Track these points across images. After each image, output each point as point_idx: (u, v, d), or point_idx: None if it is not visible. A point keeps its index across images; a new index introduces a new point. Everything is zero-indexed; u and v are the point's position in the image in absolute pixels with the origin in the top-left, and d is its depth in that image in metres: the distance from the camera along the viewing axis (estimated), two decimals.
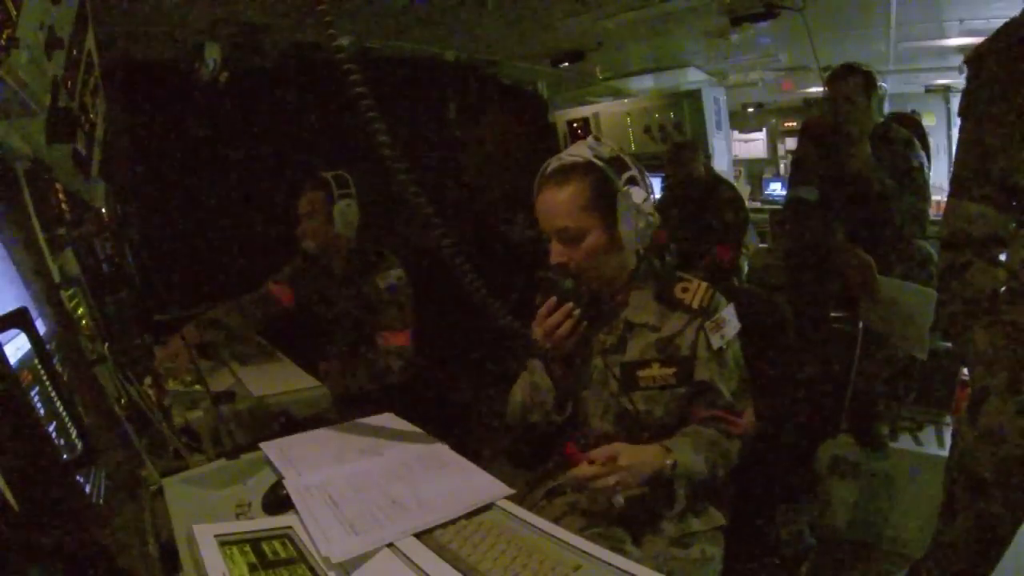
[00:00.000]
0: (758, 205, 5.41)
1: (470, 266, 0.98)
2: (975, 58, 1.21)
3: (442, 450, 1.15)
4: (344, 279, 2.11)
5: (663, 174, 3.72)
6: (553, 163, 1.16)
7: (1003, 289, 1.18)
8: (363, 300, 2.06)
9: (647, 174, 1.18)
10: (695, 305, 1.16)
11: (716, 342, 1.14)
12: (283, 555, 0.81)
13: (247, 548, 0.81)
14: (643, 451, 1.06)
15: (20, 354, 0.65)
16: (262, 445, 1.16)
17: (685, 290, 1.18)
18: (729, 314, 1.16)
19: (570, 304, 1.11)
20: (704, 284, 1.18)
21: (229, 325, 2.04)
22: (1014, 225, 1.18)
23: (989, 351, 1.18)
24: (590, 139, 1.17)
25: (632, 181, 1.13)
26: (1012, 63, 1.13)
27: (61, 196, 1.35)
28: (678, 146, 3.53)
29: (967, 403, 1.26)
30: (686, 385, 1.15)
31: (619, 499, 1.01)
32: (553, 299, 1.11)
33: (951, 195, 1.26)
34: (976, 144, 1.20)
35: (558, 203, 1.13)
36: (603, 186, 1.12)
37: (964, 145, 1.24)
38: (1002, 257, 1.20)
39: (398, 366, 2.00)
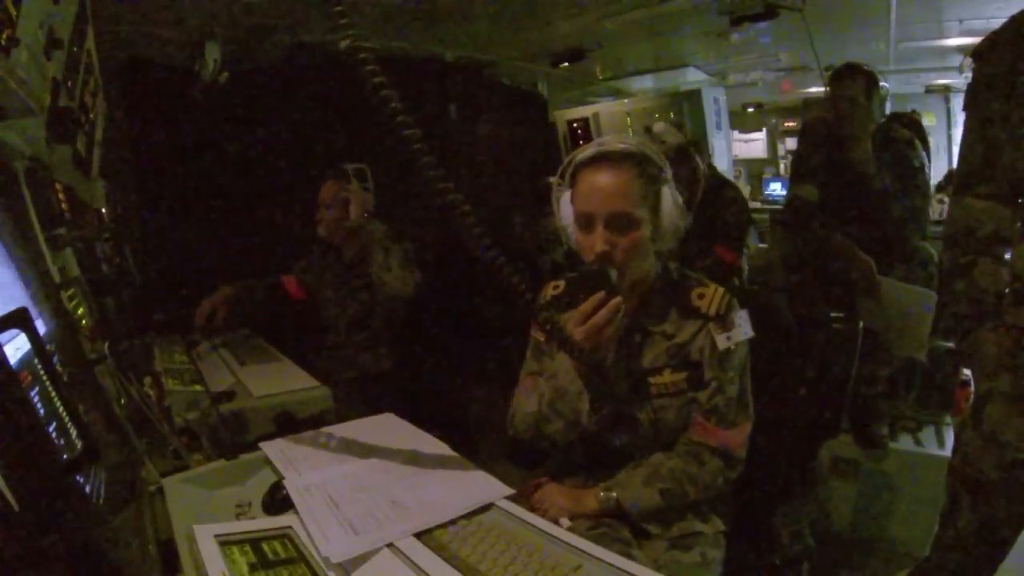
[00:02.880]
0: (758, 205, 5.41)
1: (504, 258, 0.92)
2: (980, 52, 1.19)
3: (442, 450, 1.15)
4: (353, 265, 2.21)
5: None
6: (594, 148, 1.12)
7: (1007, 291, 1.17)
8: (371, 282, 2.13)
9: None
10: (711, 312, 1.13)
11: (721, 343, 1.11)
12: (283, 555, 0.81)
13: (247, 548, 0.81)
14: (580, 496, 1.13)
15: (20, 354, 0.65)
16: (262, 445, 1.16)
17: (701, 296, 1.15)
18: (740, 319, 1.13)
19: (619, 299, 1.01)
20: (721, 289, 1.15)
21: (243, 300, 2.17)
22: (1019, 224, 1.17)
23: (993, 354, 1.17)
24: (649, 130, 1.16)
25: (667, 180, 1.12)
26: (1018, 57, 1.11)
27: (61, 196, 1.35)
28: (681, 145, 3.53)
29: (970, 406, 1.25)
30: (697, 390, 1.14)
31: (565, 521, 1.04)
32: (601, 294, 1.01)
33: (955, 191, 1.24)
34: (981, 139, 1.18)
35: (613, 186, 1.08)
36: (654, 180, 1.10)
37: (969, 141, 1.21)
38: (1006, 256, 1.19)
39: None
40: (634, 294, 1.16)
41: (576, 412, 1.10)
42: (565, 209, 1.16)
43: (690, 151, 2.71)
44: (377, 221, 2.19)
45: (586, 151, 1.12)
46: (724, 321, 1.12)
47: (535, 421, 1.16)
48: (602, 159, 1.10)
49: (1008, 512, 1.20)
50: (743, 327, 1.13)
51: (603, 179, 1.09)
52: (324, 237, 2.23)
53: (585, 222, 1.10)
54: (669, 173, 1.12)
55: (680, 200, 1.12)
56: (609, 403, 1.16)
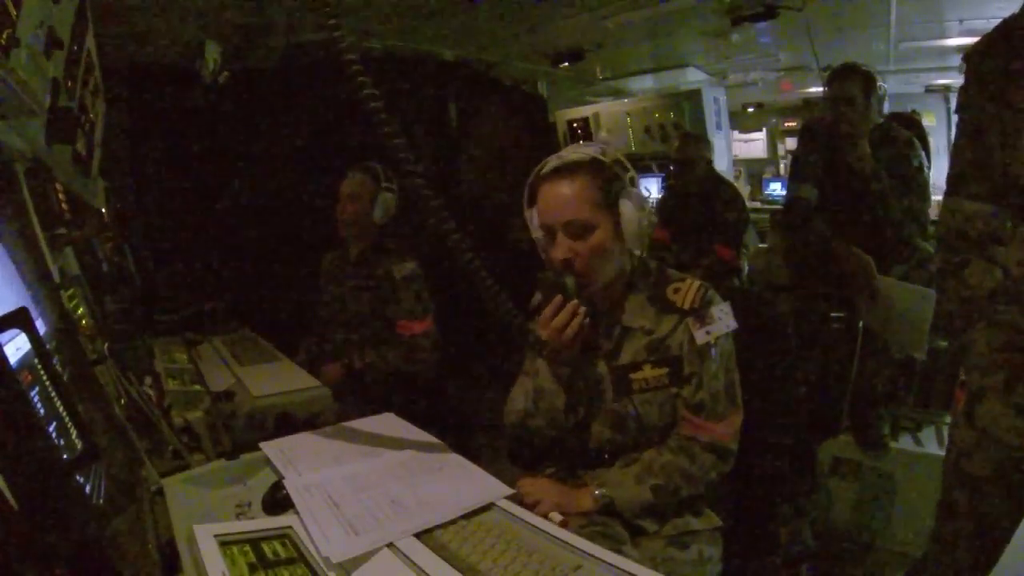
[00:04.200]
0: (758, 205, 5.41)
1: (479, 260, 0.97)
2: (973, 55, 1.20)
3: (442, 450, 1.15)
4: (358, 264, 2.20)
5: (663, 174, 3.73)
6: (553, 161, 1.16)
7: (999, 290, 1.18)
8: (376, 284, 2.13)
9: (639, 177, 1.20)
10: (686, 306, 1.15)
11: (700, 337, 1.12)
12: (283, 555, 0.81)
13: (247, 548, 0.81)
14: (572, 495, 1.13)
15: (20, 354, 0.65)
16: (262, 445, 1.16)
17: (677, 291, 1.17)
18: (720, 312, 1.14)
19: (576, 302, 1.09)
20: (696, 283, 1.17)
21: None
22: (1010, 224, 1.18)
23: (986, 352, 1.18)
24: (603, 135, 1.18)
25: (632, 182, 1.15)
26: (1010, 60, 1.12)
27: (61, 196, 1.35)
28: (685, 136, 3.57)
29: (963, 404, 1.26)
30: (678, 385, 1.15)
31: (556, 516, 1.05)
32: (559, 298, 1.09)
33: (948, 192, 1.26)
34: (974, 141, 1.19)
35: (567, 196, 1.12)
36: (609, 184, 1.13)
37: (961, 142, 1.23)
38: (998, 256, 1.20)
39: (428, 347, 2.10)
40: (608, 292, 1.19)
41: (554, 410, 1.17)
42: (534, 223, 1.20)
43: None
44: (410, 260, 2.15)
45: (547, 165, 1.16)
46: (701, 315, 1.13)
47: (523, 417, 1.22)
48: (556, 171, 1.14)
49: (1003, 509, 1.20)
50: (724, 320, 1.14)
51: (558, 189, 1.13)
52: (342, 231, 2.20)
53: (547, 233, 1.15)
54: (631, 175, 1.15)
55: (644, 200, 1.14)
56: (590, 400, 1.18)
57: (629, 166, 1.16)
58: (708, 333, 1.12)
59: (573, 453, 1.24)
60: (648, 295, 1.18)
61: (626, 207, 1.12)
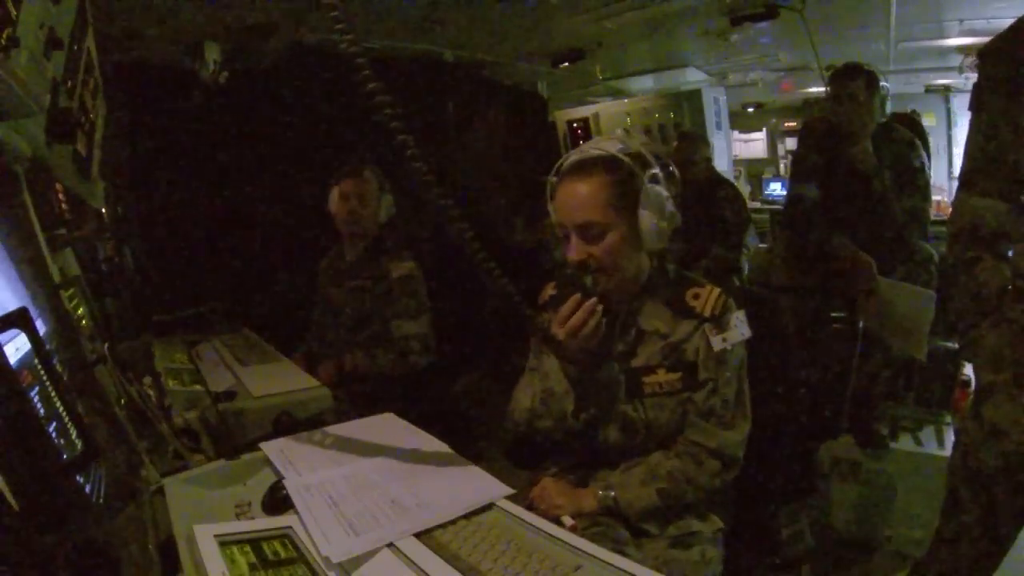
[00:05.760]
0: (758, 205, 5.41)
1: (487, 253, 0.96)
2: (987, 53, 1.20)
3: (442, 450, 1.15)
4: (356, 264, 2.20)
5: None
6: (574, 156, 1.14)
7: (1009, 288, 1.18)
8: (373, 284, 2.13)
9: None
10: (706, 312, 1.13)
11: (717, 344, 1.11)
12: (283, 555, 0.81)
13: (247, 548, 0.81)
14: (579, 495, 1.14)
15: (20, 354, 0.65)
16: (262, 445, 1.16)
17: (697, 296, 1.15)
18: (737, 320, 1.13)
19: (594, 300, 1.07)
20: (716, 290, 1.15)
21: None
22: (1022, 221, 1.18)
23: (995, 348, 1.19)
24: (619, 132, 1.17)
25: (654, 179, 1.10)
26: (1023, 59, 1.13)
27: (61, 196, 1.35)
28: (684, 136, 3.58)
29: (972, 399, 1.26)
30: (691, 390, 1.14)
31: (567, 519, 1.06)
32: (576, 296, 1.07)
33: (960, 189, 1.26)
34: (987, 138, 1.20)
35: (580, 196, 1.10)
36: (627, 182, 1.09)
37: (974, 139, 1.23)
38: (1010, 253, 1.20)
39: (417, 349, 2.08)
40: (625, 294, 1.17)
41: (562, 411, 1.16)
42: (554, 220, 1.19)
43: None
44: (408, 260, 2.14)
45: (569, 158, 1.15)
46: (720, 322, 1.12)
47: (529, 417, 1.21)
48: (576, 168, 1.12)
49: (1009, 505, 1.21)
50: (740, 328, 1.13)
51: (572, 189, 1.11)
52: (340, 231, 2.20)
53: (562, 231, 1.14)
54: (653, 173, 1.10)
55: (665, 199, 1.10)
56: (600, 402, 1.17)
57: (651, 160, 1.11)
58: (725, 340, 1.11)
59: (580, 454, 1.23)
60: (666, 299, 1.17)
61: (644, 207, 1.08)
